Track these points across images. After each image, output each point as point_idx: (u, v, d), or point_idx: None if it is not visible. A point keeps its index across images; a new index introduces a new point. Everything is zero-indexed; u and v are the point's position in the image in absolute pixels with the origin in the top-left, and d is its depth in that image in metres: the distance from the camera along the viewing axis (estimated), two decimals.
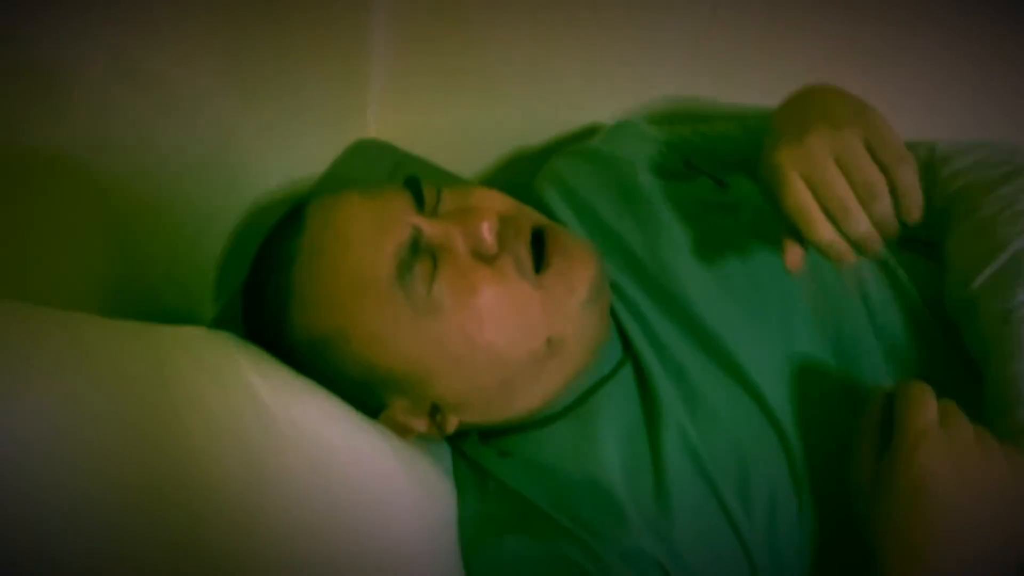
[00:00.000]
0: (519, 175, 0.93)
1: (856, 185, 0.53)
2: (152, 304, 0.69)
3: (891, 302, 0.68)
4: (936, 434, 0.52)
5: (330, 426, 0.57)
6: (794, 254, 0.57)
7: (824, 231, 0.53)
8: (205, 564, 0.44)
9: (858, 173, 0.52)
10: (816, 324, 0.66)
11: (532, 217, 0.65)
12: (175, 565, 0.43)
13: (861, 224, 0.53)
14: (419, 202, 0.62)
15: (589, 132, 0.94)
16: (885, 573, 0.51)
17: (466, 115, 0.95)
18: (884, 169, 0.53)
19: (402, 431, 0.63)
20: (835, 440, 0.60)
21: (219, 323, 0.76)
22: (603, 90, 0.92)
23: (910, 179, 0.52)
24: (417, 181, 0.63)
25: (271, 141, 0.81)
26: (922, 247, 0.74)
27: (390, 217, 0.60)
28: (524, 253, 0.62)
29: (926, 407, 0.53)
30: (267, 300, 0.63)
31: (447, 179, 0.94)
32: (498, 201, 0.64)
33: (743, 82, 0.88)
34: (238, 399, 0.51)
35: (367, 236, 0.60)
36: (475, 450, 0.67)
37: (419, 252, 0.59)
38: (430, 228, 0.60)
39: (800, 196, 0.53)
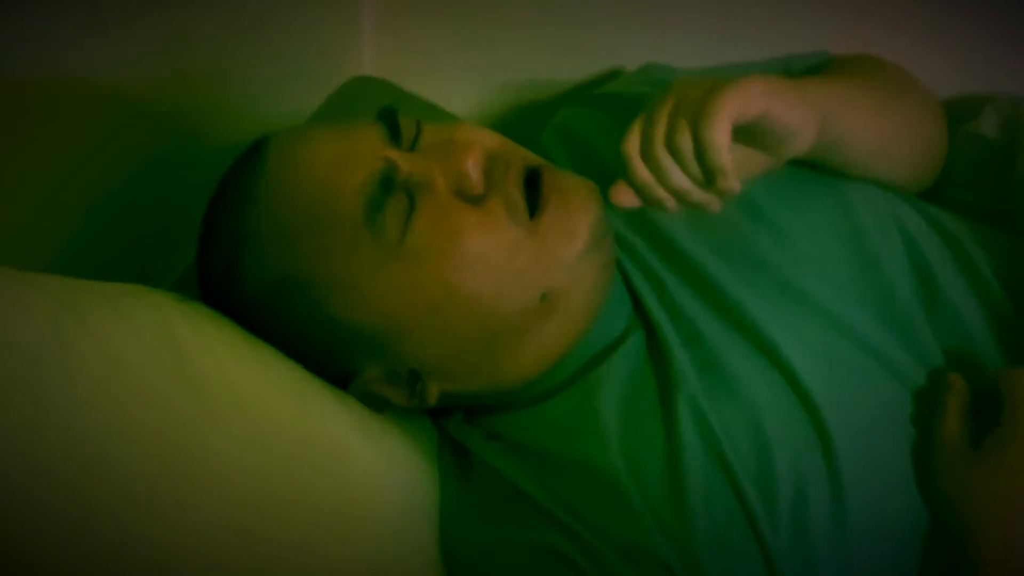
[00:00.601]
0: (530, 126, 0.89)
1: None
2: (117, 262, 0.67)
3: (960, 283, 0.63)
4: None
5: (277, 393, 0.53)
6: (624, 194, 0.54)
7: (640, 176, 0.53)
8: (108, 545, 0.42)
9: (675, 134, 0.51)
10: (857, 293, 0.61)
11: (525, 156, 0.61)
12: (73, 541, 0.41)
13: (671, 179, 0.52)
14: (395, 136, 0.57)
15: (610, 77, 0.90)
16: (975, 552, 0.52)
17: (470, 55, 0.93)
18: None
19: (376, 403, 0.59)
20: (882, 428, 0.56)
21: (183, 283, 0.71)
22: (626, 29, 0.88)
23: (705, 136, 0.49)
24: (393, 112, 0.58)
25: (256, 79, 0.78)
26: (999, 218, 0.70)
27: (359, 150, 0.56)
28: (516, 194, 0.57)
29: None
30: (221, 244, 0.59)
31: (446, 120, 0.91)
32: (486, 136, 0.59)
33: (786, 18, 0.83)
34: (160, 358, 0.48)
35: (331, 170, 0.56)
36: (460, 430, 0.63)
37: (393, 189, 0.55)
38: (406, 163, 0.56)
39: (629, 141, 0.52)
